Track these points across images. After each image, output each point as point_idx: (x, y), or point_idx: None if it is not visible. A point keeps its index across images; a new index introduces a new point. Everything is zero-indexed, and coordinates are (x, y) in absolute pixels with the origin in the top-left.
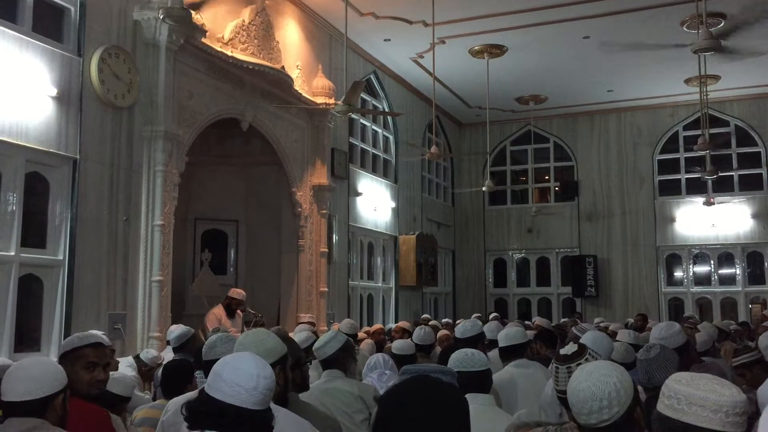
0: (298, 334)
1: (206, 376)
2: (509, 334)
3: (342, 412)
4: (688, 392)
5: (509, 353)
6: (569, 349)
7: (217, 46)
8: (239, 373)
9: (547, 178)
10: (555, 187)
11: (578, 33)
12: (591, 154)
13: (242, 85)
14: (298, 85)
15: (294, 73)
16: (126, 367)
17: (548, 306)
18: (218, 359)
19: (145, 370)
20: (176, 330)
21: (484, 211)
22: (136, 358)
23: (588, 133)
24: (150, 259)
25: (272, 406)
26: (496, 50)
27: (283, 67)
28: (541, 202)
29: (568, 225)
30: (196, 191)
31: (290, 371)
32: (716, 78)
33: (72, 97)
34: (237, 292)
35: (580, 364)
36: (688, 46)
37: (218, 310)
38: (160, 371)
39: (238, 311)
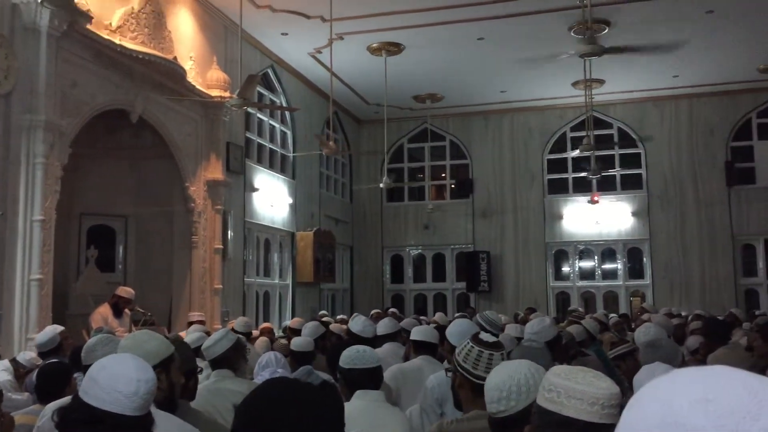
0: (190, 335)
1: None
2: (424, 331)
3: (231, 413)
4: (567, 385)
5: (420, 348)
6: (488, 337)
7: (105, 34)
8: (118, 378)
9: (443, 175)
10: (451, 184)
11: (473, 34)
12: (485, 152)
13: (132, 76)
14: (192, 77)
15: (187, 65)
16: (2, 371)
17: (444, 301)
18: None
19: (23, 372)
20: (41, 337)
21: (382, 207)
22: (13, 360)
23: (482, 132)
24: (29, 257)
25: (153, 410)
26: (393, 48)
27: (175, 58)
28: (438, 199)
29: (463, 222)
30: (82, 185)
31: (178, 375)
32: (601, 82)
33: None
34: (125, 291)
35: (503, 354)
36: (574, 52)
37: (104, 309)
38: (34, 375)
39: (126, 310)
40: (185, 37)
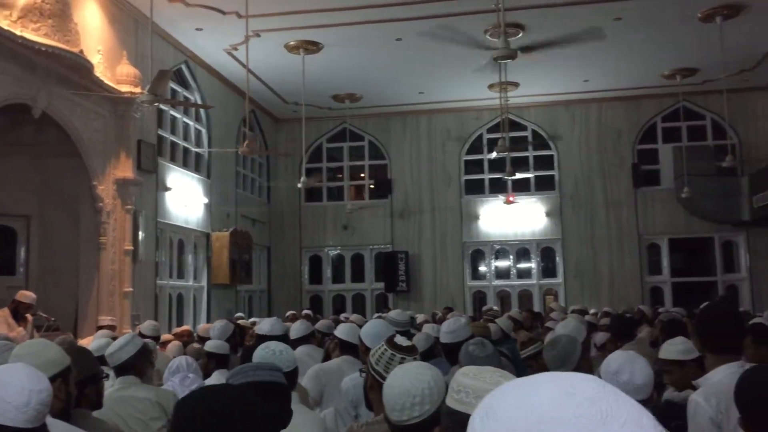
0: (96, 341)
1: None
2: (348, 330)
3: (138, 421)
4: (476, 385)
5: (344, 347)
6: (404, 341)
7: (5, 24)
8: (8, 388)
9: (362, 175)
10: (369, 184)
11: (391, 35)
12: (403, 153)
13: (34, 69)
14: (100, 72)
15: (95, 59)
16: None
17: (362, 301)
18: None
19: None
20: None
21: (300, 207)
22: None
23: (401, 132)
24: None
25: (49, 420)
26: (312, 46)
27: (81, 51)
28: (357, 199)
29: (381, 222)
30: None
31: (74, 385)
32: (516, 85)
33: None
34: (24, 295)
35: (416, 358)
36: (489, 55)
37: (2, 314)
38: None
39: (27, 315)
40: (93, 30)
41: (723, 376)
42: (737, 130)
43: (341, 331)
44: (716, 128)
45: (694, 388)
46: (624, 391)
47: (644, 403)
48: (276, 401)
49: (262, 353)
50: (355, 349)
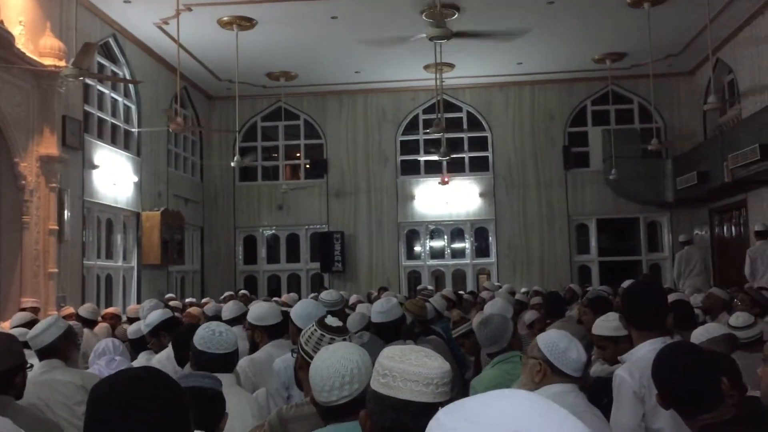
0: (17, 329)
1: None
2: (261, 312)
3: (62, 405)
4: (402, 368)
5: (266, 331)
6: (334, 321)
7: None
8: None
9: (297, 155)
10: (305, 164)
11: (326, 12)
12: (340, 133)
13: None
14: (22, 44)
15: (16, 30)
16: None
17: (298, 281)
18: None
19: None
20: None
21: (234, 187)
22: None
23: (337, 112)
24: None
25: None
26: (245, 22)
27: (2, 22)
28: (292, 179)
29: (317, 202)
30: None
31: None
32: (451, 66)
33: None
34: None
35: (345, 339)
36: (424, 35)
37: None
38: None
39: None
40: (14, 0)
41: (646, 352)
42: (662, 114)
43: (254, 316)
44: (643, 112)
45: None
46: (573, 369)
47: (583, 380)
48: (208, 409)
49: (202, 333)
50: (278, 330)
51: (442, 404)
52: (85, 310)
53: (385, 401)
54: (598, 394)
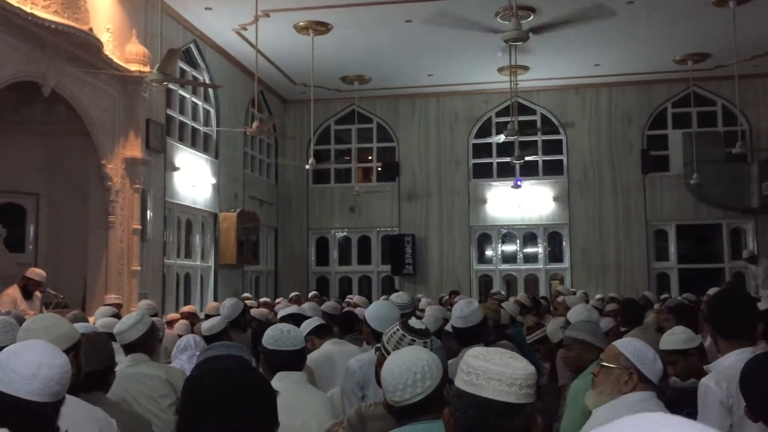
0: (102, 320)
1: None
2: (303, 325)
3: (148, 398)
4: (486, 367)
5: (321, 332)
6: (417, 323)
7: (15, 1)
8: (17, 359)
9: (370, 158)
10: (377, 167)
11: (401, 16)
12: (412, 135)
13: (43, 47)
14: (109, 50)
15: (104, 37)
16: None
17: (369, 284)
18: None
19: None
20: None
21: (308, 189)
22: None
23: (409, 115)
24: None
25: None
26: (321, 27)
27: (91, 29)
28: (364, 181)
29: (388, 204)
30: None
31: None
32: (525, 69)
33: None
34: (35, 273)
35: (426, 342)
36: (500, 38)
37: (13, 291)
38: None
39: (36, 293)
40: (102, 9)
41: (734, 361)
42: (748, 116)
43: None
44: (727, 114)
45: (698, 377)
46: (658, 378)
47: (662, 388)
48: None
49: (271, 332)
50: (328, 330)
51: (526, 406)
52: (142, 307)
53: (468, 399)
54: (675, 404)
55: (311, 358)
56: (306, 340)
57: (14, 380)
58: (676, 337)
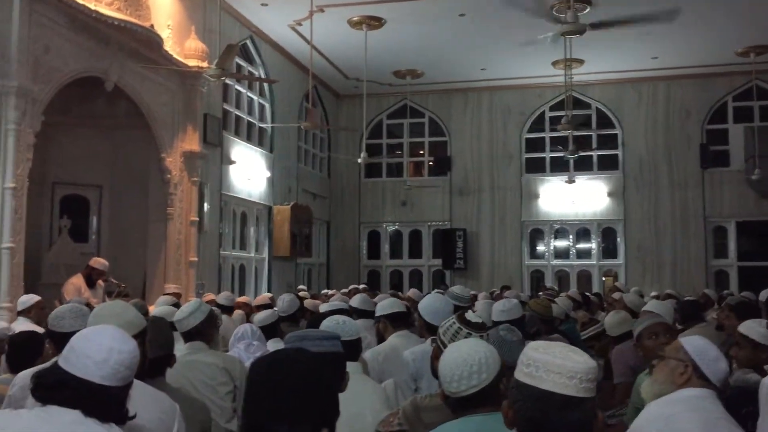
0: (161, 307)
1: (55, 347)
2: (389, 303)
3: (206, 386)
4: (546, 359)
5: (394, 321)
6: (474, 317)
7: None
8: (90, 344)
9: (421, 152)
10: (429, 161)
11: (455, 10)
12: (464, 130)
13: (107, 43)
14: (169, 46)
15: (164, 33)
16: None
17: (419, 277)
18: (66, 332)
19: None
20: (26, 300)
21: (360, 183)
22: None
23: (462, 109)
24: (0, 225)
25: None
26: (374, 22)
27: (152, 26)
28: (416, 175)
29: (440, 199)
30: (55, 154)
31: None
32: (580, 62)
33: None
34: (98, 262)
35: (482, 336)
36: (554, 31)
37: (77, 280)
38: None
39: (99, 281)
40: (163, 5)
41: None
42: None
43: (383, 308)
44: None
45: (759, 371)
46: (718, 379)
47: (722, 389)
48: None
49: (327, 323)
50: (403, 320)
51: (586, 400)
52: (223, 297)
53: (528, 391)
54: (736, 402)
55: (377, 350)
56: (378, 321)
57: (87, 365)
58: (761, 328)
